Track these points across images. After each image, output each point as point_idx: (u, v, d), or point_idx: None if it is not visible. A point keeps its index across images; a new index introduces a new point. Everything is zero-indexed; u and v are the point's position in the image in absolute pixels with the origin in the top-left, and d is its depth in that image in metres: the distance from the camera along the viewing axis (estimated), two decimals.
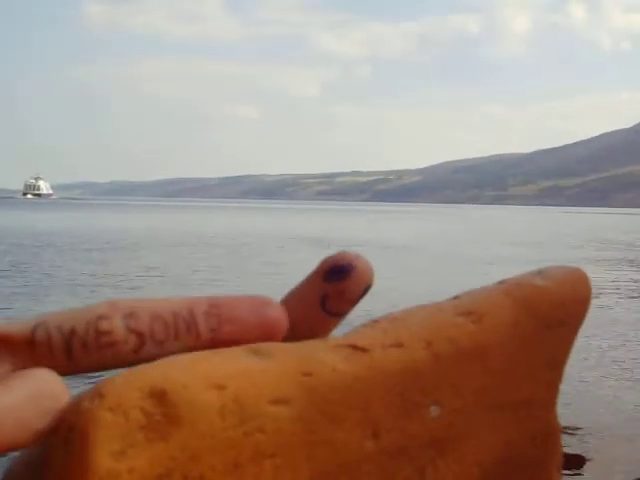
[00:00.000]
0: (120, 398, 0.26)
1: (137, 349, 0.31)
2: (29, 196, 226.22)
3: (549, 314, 0.35)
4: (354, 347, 0.31)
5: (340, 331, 0.33)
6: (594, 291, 0.36)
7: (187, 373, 0.28)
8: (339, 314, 0.34)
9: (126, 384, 0.27)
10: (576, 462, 5.21)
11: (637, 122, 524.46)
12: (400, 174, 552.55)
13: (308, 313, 0.34)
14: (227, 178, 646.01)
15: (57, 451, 0.26)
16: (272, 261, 21.05)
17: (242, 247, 27.11)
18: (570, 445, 5.59)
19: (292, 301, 0.34)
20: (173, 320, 0.31)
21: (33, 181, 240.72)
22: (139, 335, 0.31)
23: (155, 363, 0.28)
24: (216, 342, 0.32)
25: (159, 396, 0.26)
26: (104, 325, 0.30)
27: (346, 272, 0.33)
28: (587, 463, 5.36)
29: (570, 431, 5.90)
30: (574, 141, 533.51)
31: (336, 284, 0.33)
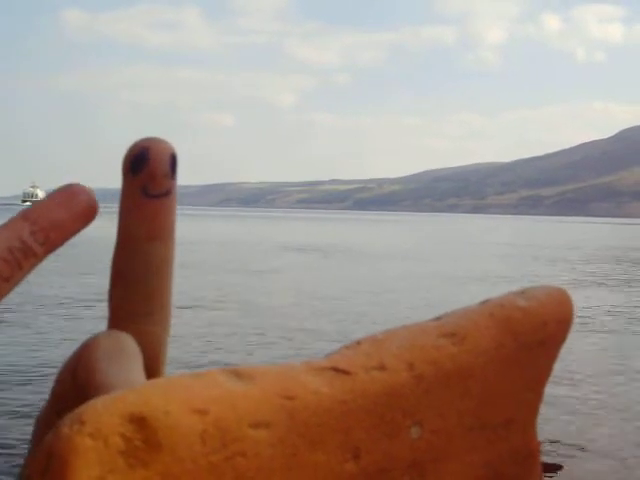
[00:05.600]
0: (100, 424, 0.26)
1: None
2: (27, 203, 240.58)
3: (531, 335, 0.35)
4: (336, 370, 0.31)
5: (323, 352, 0.32)
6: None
7: (168, 398, 0.27)
8: (166, 192, 0.35)
9: (106, 410, 0.26)
10: (552, 470, 5.15)
11: (615, 132, 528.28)
12: (380, 182, 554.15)
13: (139, 207, 0.35)
14: (207, 186, 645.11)
15: (36, 478, 0.26)
16: (261, 267, 20.91)
17: (229, 254, 26.94)
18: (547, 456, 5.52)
19: (123, 211, 0.36)
20: (11, 255, 0.33)
21: (31, 189, 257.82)
22: None
23: (136, 388, 0.28)
24: (50, 249, 0.34)
25: (139, 422, 0.26)
26: None
27: (144, 157, 0.34)
28: (562, 473, 5.29)
29: (548, 444, 5.84)
30: (553, 151, 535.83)
31: (143, 171, 0.34)
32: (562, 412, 6.84)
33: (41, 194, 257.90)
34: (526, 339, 0.34)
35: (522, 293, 0.35)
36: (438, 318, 0.34)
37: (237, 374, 0.29)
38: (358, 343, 0.32)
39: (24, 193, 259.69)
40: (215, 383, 0.29)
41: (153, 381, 0.29)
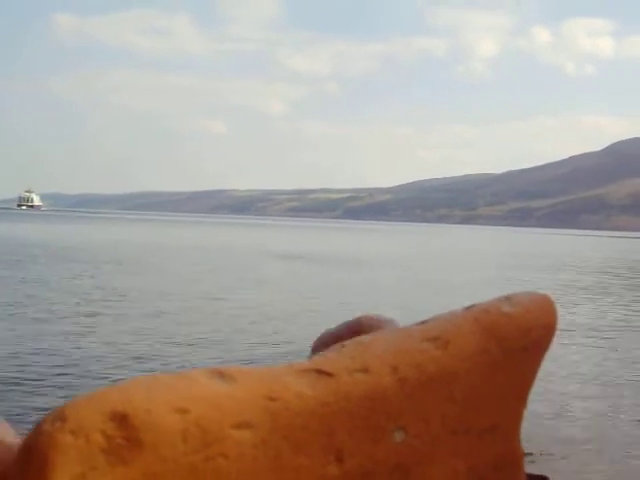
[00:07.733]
0: (82, 421, 0.33)
1: None
2: (23, 207, 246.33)
3: (516, 341, 0.41)
4: (320, 372, 0.37)
5: (306, 354, 0.36)
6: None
7: (149, 397, 0.33)
8: None
9: (88, 407, 0.33)
10: None
11: (606, 146, 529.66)
12: (371, 192, 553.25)
13: None
14: (197, 192, 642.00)
15: (16, 474, 0.34)
16: (254, 274, 20.79)
17: (221, 262, 26.79)
18: (534, 466, 5.46)
19: None
20: None
21: (27, 194, 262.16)
22: None
23: (118, 386, 0.32)
24: None
25: (121, 419, 0.33)
26: None
27: None
28: None
29: (533, 454, 5.79)
30: (543, 163, 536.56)
31: None
32: (547, 420, 6.79)
33: (36, 199, 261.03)
34: (510, 344, 0.43)
35: (507, 299, 0.44)
36: (423, 322, 0.42)
37: (220, 374, 0.36)
38: (342, 346, 0.40)
39: (19, 197, 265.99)
40: (197, 383, 0.35)
41: (136, 379, 0.32)
